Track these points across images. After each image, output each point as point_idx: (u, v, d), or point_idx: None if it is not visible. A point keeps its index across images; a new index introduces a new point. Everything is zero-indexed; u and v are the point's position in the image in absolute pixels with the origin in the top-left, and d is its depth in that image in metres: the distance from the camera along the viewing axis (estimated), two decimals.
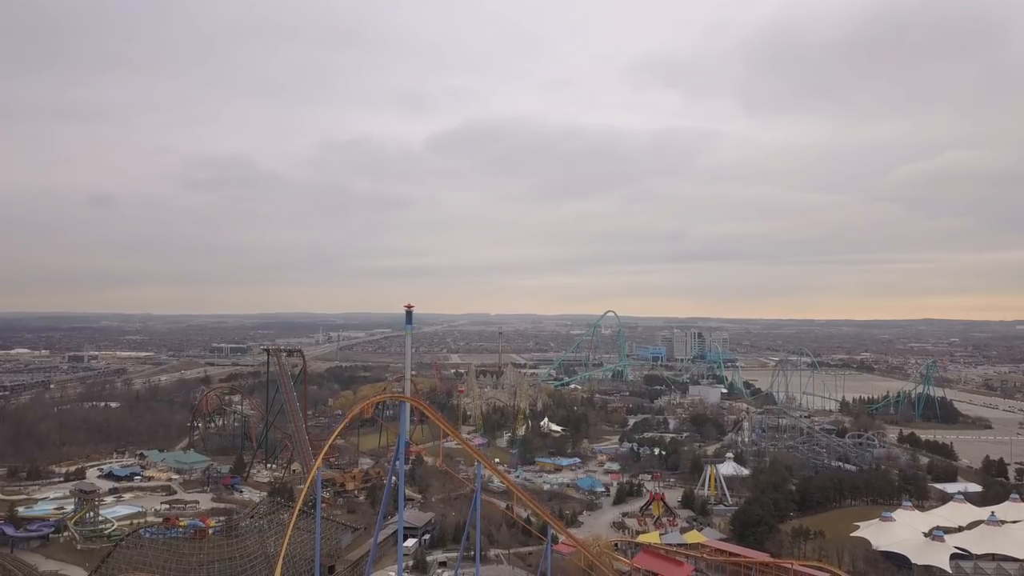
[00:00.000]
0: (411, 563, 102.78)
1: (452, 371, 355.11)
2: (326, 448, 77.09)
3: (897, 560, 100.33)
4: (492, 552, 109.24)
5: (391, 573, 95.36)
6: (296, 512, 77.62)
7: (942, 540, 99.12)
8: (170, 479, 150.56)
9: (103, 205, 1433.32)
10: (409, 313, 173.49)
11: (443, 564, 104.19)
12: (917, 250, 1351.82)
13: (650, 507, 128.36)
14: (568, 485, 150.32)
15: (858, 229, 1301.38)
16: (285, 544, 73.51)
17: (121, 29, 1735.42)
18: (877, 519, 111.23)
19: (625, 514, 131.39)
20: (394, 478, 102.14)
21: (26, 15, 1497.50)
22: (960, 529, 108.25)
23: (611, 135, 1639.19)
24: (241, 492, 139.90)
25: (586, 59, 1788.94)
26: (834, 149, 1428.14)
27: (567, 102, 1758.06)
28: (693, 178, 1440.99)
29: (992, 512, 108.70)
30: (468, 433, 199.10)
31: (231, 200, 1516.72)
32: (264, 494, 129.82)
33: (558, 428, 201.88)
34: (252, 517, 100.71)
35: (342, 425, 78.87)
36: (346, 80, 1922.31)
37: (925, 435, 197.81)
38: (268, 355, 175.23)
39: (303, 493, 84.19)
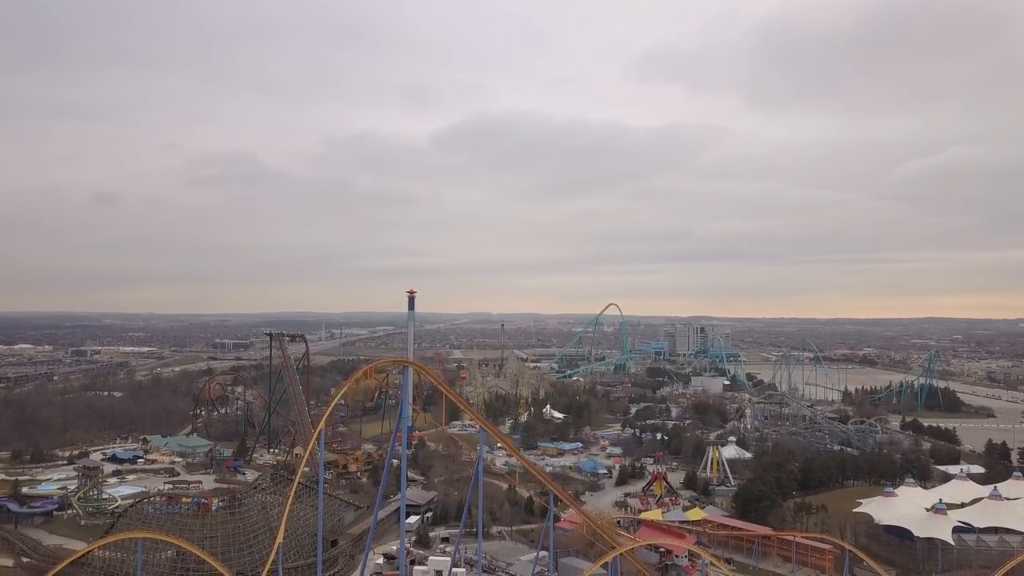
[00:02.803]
0: (413, 539, 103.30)
1: (454, 365, 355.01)
2: (329, 411, 77.34)
3: (899, 534, 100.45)
4: (494, 529, 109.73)
5: (393, 547, 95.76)
6: (297, 480, 77.83)
7: (944, 513, 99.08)
8: (173, 462, 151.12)
9: (106, 203, 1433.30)
10: (412, 299, 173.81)
11: (445, 540, 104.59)
12: (921, 249, 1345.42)
13: (652, 487, 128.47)
14: (570, 468, 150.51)
15: (862, 227, 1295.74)
16: (287, 511, 73.63)
17: (124, 26, 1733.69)
18: (880, 495, 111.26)
19: (627, 494, 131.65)
20: (395, 461, 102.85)
21: (27, 12, 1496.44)
22: (963, 506, 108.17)
23: (616, 131, 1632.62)
24: (244, 474, 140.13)
25: (592, 56, 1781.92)
26: (839, 145, 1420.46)
27: (573, 99, 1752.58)
28: (697, 175, 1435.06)
29: (995, 487, 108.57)
30: (471, 420, 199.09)
31: (234, 198, 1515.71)
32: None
33: (560, 415, 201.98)
34: (255, 489, 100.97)
35: (347, 385, 79.04)
36: (350, 76, 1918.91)
37: (928, 423, 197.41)
38: (271, 340, 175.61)
39: (303, 462, 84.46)
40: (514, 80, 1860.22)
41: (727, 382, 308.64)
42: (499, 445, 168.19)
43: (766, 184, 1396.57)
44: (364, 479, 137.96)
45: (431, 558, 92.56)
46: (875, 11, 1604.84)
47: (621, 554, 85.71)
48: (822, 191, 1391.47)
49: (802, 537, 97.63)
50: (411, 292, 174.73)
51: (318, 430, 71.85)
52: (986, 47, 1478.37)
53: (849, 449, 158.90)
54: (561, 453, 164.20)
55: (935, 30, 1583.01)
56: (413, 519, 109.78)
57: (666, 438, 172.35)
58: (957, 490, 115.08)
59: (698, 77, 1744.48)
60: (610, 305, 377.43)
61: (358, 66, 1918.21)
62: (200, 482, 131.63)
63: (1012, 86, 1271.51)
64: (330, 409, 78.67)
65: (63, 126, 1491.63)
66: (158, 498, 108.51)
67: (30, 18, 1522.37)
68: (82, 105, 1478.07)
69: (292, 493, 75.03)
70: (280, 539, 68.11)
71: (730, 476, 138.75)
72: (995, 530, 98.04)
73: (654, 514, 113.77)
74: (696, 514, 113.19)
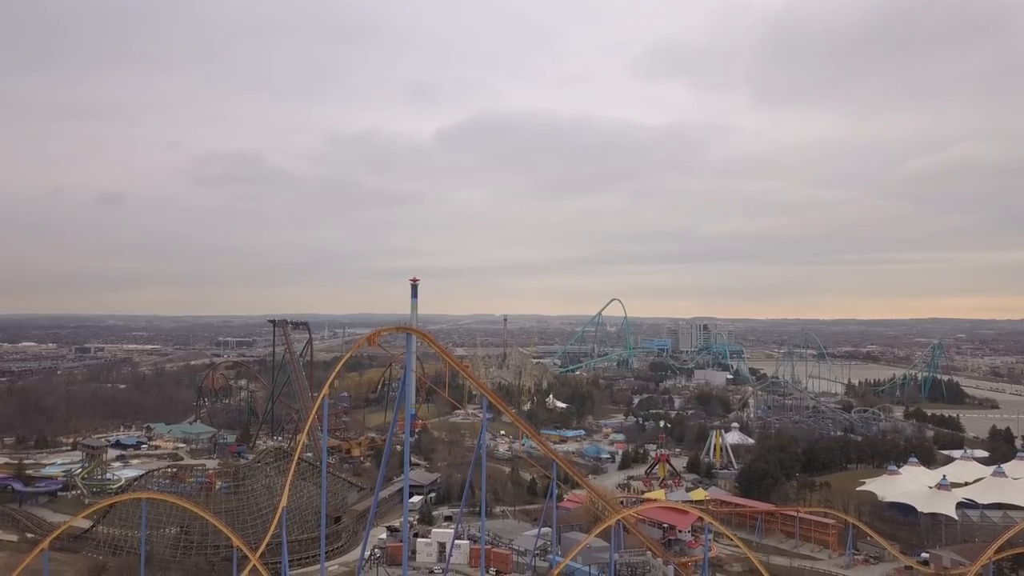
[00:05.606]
0: (417, 517, 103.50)
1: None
2: (332, 378, 77.65)
3: (903, 511, 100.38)
4: (497, 508, 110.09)
5: (397, 523, 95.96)
6: (298, 454, 78.33)
7: (948, 490, 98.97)
8: (177, 448, 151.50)
9: (110, 204, 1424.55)
10: (415, 286, 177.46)
11: (448, 519, 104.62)
12: (925, 249, 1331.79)
13: (655, 469, 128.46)
14: (574, 453, 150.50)
15: (865, 226, 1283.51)
16: (290, 478, 73.95)
17: (126, 26, 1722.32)
18: (884, 474, 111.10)
19: (631, 477, 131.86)
20: (398, 447, 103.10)
21: (29, 12, 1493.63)
22: (967, 485, 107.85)
23: (621, 128, 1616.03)
24: (247, 459, 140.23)
25: (598, 53, 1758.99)
26: (844, 143, 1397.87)
27: (578, 97, 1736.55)
28: (702, 173, 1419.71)
29: (999, 466, 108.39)
30: (474, 410, 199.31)
31: (238, 198, 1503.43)
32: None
33: (563, 404, 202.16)
34: (259, 463, 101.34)
35: (349, 354, 79.42)
36: (354, 75, 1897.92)
37: (932, 412, 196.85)
38: (275, 328, 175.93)
39: (304, 432, 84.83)
40: (519, 78, 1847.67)
41: (730, 376, 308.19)
42: (501, 432, 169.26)
43: (770, 183, 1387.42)
44: (367, 463, 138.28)
45: (434, 530, 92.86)
46: (880, 7, 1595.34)
47: (626, 530, 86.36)
48: (826, 189, 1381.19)
49: (805, 512, 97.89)
50: (414, 280, 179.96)
51: (321, 395, 72.23)
52: (993, 43, 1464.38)
53: (852, 436, 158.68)
54: (564, 440, 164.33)
55: (941, 26, 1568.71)
56: (416, 499, 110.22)
57: (669, 426, 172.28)
58: (961, 470, 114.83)
59: (704, 73, 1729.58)
60: (612, 301, 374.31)
61: (362, 64, 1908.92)
62: (204, 465, 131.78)
63: (1019, 82, 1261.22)
64: (333, 376, 79.04)
65: (66, 126, 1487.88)
66: (162, 479, 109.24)
67: (32, 18, 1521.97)
68: (86, 105, 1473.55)
69: (294, 465, 75.52)
70: (284, 503, 68.37)
71: (733, 460, 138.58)
72: (999, 506, 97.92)
73: (657, 494, 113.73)
74: (699, 494, 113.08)
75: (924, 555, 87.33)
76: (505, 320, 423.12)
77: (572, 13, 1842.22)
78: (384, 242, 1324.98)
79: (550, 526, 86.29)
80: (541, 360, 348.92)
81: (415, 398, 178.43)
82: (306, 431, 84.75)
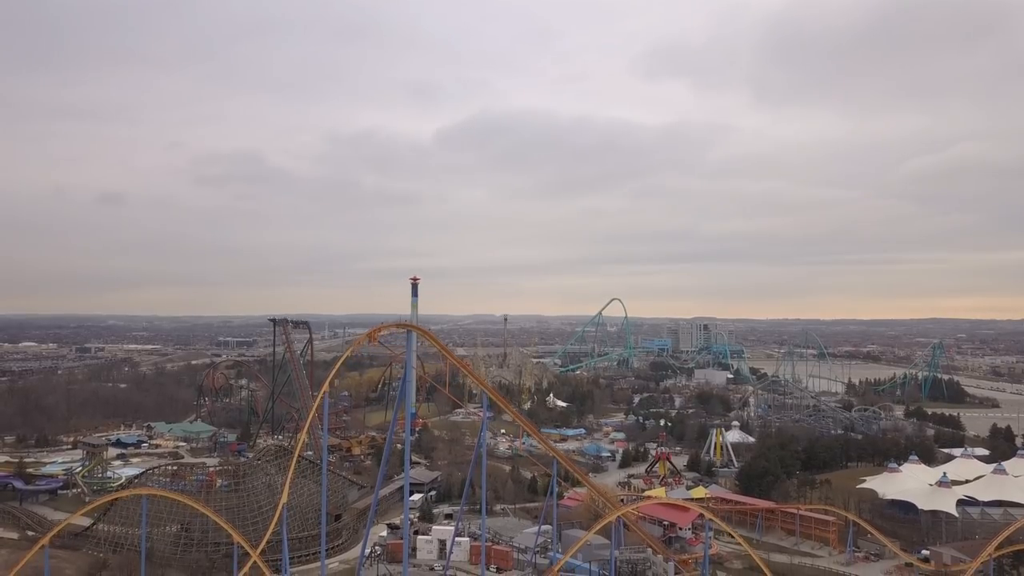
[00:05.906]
0: (417, 515, 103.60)
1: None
2: (332, 374, 77.68)
3: (903, 509, 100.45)
4: (498, 506, 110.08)
5: (398, 520, 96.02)
6: (297, 451, 78.49)
7: (949, 487, 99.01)
8: (177, 447, 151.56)
9: (111, 204, 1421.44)
10: (415, 285, 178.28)
11: (448, 516, 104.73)
12: (925, 249, 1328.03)
13: (655, 467, 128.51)
14: (574, 452, 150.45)
15: (865, 226, 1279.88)
16: (290, 475, 74.06)
17: (127, 26, 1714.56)
18: (884, 472, 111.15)
19: (631, 475, 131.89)
20: (399, 445, 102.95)
21: (30, 12, 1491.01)
22: (967, 483, 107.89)
23: (622, 128, 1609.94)
24: (247, 458, 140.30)
25: (599, 53, 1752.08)
26: (844, 142, 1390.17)
27: (579, 96, 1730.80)
28: (703, 173, 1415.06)
29: (1000, 463, 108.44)
30: (474, 408, 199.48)
31: (238, 198, 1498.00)
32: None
33: (563, 403, 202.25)
34: (259, 460, 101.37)
35: (349, 351, 79.49)
36: (355, 74, 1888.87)
37: (932, 411, 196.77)
38: (275, 326, 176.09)
39: (304, 428, 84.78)
40: (520, 78, 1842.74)
41: (730, 376, 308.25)
42: (502, 431, 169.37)
43: (770, 183, 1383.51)
44: (368, 462, 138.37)
45: (434, 528, 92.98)
46: (880, 7, 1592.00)
47: (626, 528, 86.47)
48: (827, 189, 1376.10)
49: (806, 510, 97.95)
50: (414, 279, 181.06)
51: (321, 394, 72.33)
52: (993, 42, 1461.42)
53: (853, 434, 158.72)
54: (565, 439, 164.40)
55: (941, 26, 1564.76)
56: (417, 497, 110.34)
57: (669, 424, 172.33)
58: (961, 468, 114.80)
59: (704, 73, 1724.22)
60: (613, 300, 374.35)
61: (362, 64, 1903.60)
62: (204, 463, 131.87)
63: (1019, 82, 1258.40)
64: (333, 375, 79.04)
65: (66, 126, 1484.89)
66: (162, 477, 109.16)
67: (32, 18, 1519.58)
68: (86, 105, 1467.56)
69: (294, 463, 75.66)
70: (284, 499, 68.47)
71: (734, 459, 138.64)
72: (999, 503, 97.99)
73: (658, 492, 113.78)
74: (699, 492, 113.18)
75: (925, 552, 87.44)
76: (505, 320, 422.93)
77: (572, 13, 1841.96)
78: (384, 242, 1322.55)
79: (550, 523, 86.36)
80: (541, 360, 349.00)
81: (415, 397, 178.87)
82: (306, 429, 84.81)
